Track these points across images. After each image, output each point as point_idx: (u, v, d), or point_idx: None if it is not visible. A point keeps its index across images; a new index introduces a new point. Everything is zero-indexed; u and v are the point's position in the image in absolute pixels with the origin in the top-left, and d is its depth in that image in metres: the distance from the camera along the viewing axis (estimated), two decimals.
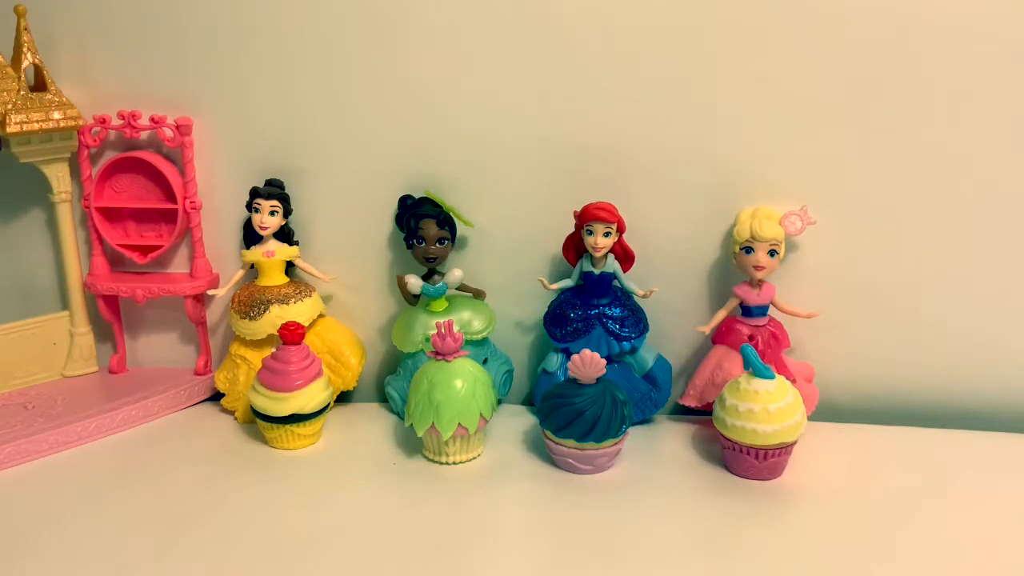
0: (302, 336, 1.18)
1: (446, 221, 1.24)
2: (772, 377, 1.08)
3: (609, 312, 1.23)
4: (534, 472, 1.14)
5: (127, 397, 1.29)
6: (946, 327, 1.25)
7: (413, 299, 1.26)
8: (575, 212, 1.21)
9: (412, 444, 1.20)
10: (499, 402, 1.23)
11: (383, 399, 1.36)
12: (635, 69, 1.21)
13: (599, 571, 0.94)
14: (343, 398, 1.34)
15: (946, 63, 1.16)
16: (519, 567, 0.94)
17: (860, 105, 1.19)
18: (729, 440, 1.11)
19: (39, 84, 1.24)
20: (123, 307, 1.38)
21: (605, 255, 1.21)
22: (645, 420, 1.26)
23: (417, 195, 1.26)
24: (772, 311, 1.23)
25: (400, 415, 1.28)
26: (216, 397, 1.35)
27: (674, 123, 1.22)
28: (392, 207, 1.29)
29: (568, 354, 1.24)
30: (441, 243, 1.24)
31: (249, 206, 1.26)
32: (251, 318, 1.25)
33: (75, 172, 1.31)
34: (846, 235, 1.23)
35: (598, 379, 1.11)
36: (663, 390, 1.24)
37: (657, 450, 1.19)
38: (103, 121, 1.28)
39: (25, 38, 1.22)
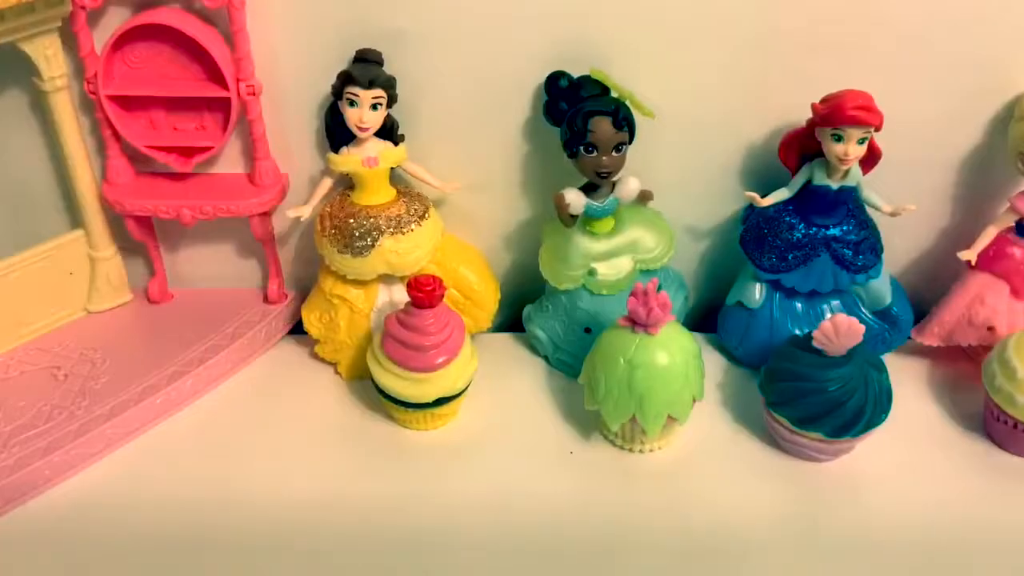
0: (441, 296, 0.86)
1: (625, 119, 0.87)
2: None
3: (840, 235, 0.92)
4: (751, 455, 0.89)
5: (189, 349, 0.97)
6: None
7: (572, 220, 0.92)
8: (815, 105, 0.86)
9: (577, 408, 0.92)
10: None
11: (510, 323, 1.06)
12: None
13: None
14: None
15: None
16: None
17: None
18: (1008, 415, 0.86)
19: None
20: (158, 220, 1.01)
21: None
22: None
23: (572, 72, 0.89)
24: None
25: (548, 359, 1.00)
26: (295, 329, 1.04)
27: None
28: (529, 83, 0.92)
29: (777, 287, 0.95)
30: (618, 150, 0.88)
31: (339, 94, 0.88)
32: (355, 252, 0.91)
33: (71, 47, 0.89)
34: None
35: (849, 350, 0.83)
36: (902, 331, 0.96)
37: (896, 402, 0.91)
38: None
39: None
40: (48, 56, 0.87)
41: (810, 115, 0.87)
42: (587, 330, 0.96)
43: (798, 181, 0.91)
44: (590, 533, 0.82)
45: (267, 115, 0.93)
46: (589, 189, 0.92)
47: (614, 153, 0.88)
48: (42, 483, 0.85)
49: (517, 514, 0.83)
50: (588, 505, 0.85)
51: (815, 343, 0.83)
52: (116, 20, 0.88)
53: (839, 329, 0.82)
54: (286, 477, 0.87)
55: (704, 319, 1.06)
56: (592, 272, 0.94)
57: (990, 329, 0.93)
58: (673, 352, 0.83)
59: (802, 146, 0.90)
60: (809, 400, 0.83)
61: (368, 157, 0.90)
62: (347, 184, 0.95)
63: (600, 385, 0.85)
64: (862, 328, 0.82)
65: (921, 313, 0.98)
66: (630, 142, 0.89)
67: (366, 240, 0.91)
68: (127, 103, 0.92)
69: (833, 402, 0.82)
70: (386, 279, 0.95)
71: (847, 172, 0.89)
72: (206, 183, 0.97)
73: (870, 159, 0.90)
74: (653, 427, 0.84)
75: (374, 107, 0.88)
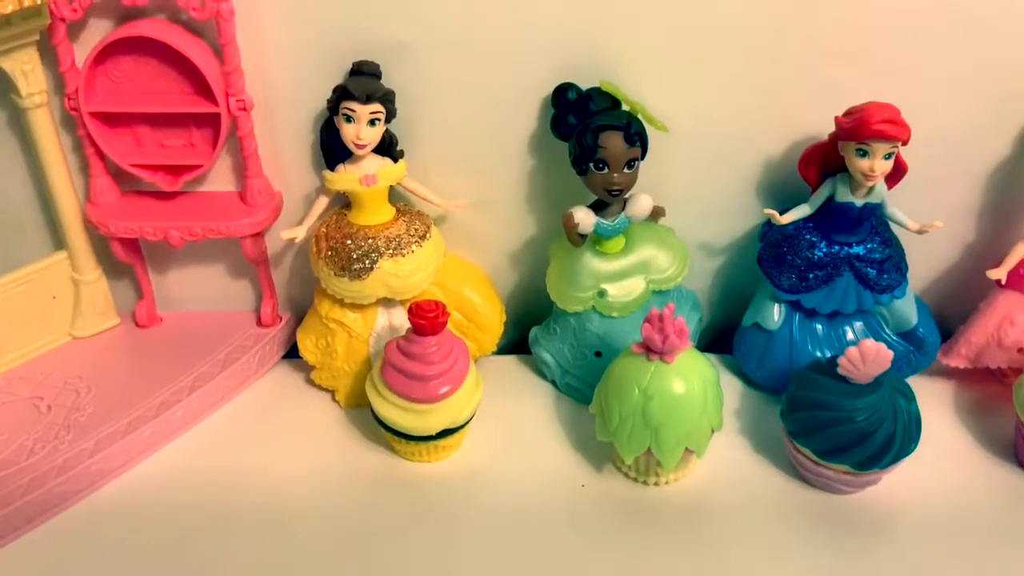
0: (444, 323, 0.81)
1: (637, 134, 0.83)
2: None
3: (864, 253, 0.87)
4: (773, 487, 0.84)
5: (179, 377, 0.92)
6: None
7: (580, 239, 0.88)
8: (839, 119, 0.81)
9: (588, 436, 0.88)
10: None
11: (515, 344, 1.01)
12: None
13: None
14: None
15: None
16: None
17: None
18: None
19: None
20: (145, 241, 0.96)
21: None
22: None
23: (580, 84, 0.84)
24: None
25: (556, 384, 0.95)
26: (291, 353, 0.99)
27: None
28: (535, 96, 0.87)
29: (796, 307, 0.90)
30: (630, 166, 0.84)
31: (334, 109, 0.83)
32: (353, 275, 0.87)
33: (50, 61, 0.84)
34: None
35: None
36: (928, 352, 0.92)
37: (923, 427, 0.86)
38: None
39: None
40: (26, 71, 0.83)
41: (830, 127, 0.83)
42: (597, 354, 0.91)
43: (819, 197, 0.87)
44: (604, 571, 0.77)
45: (259, 131, 0.88)
46: (599, 207, 0.87)
47: (626, 170, 0.83)
48: (23, 524, 0.80)
49: (526, 552, 0.79)
50: (601, 541, 0.80)
51: (841, 371, 0.79)
52: (98, 33, 0.84)
53: (866, 356, 0.77)
54: (281, 511, 0.82)
55: (718, 340, 1.01)
56: (602, 293, 0.89)
57: (1020, 351, 0.89)
58: (691, 380, 0.79)
59: (823, 161, 0.86)
60: (834, 431, 0.78)
61: (366, 175, 0.86)
62: (344, 203, 0.90)
63: (613, 416, 0.80)
64: (890, 354, 0.77)
65: (946, 333, 0.94)
66: (642, 158, 0.84)
67: (364, 262, 0.86)
68: (111, 119, 0.87)
69: (860, 433, 0.78)
70: (385, 302, 0.91)
71: (871, 188, 0.84)
72: (195, 202, 0.92)
73: (895, 174, 0.85)
74: (670, 460, 0.79)
75: (372, 123, 0.83)
